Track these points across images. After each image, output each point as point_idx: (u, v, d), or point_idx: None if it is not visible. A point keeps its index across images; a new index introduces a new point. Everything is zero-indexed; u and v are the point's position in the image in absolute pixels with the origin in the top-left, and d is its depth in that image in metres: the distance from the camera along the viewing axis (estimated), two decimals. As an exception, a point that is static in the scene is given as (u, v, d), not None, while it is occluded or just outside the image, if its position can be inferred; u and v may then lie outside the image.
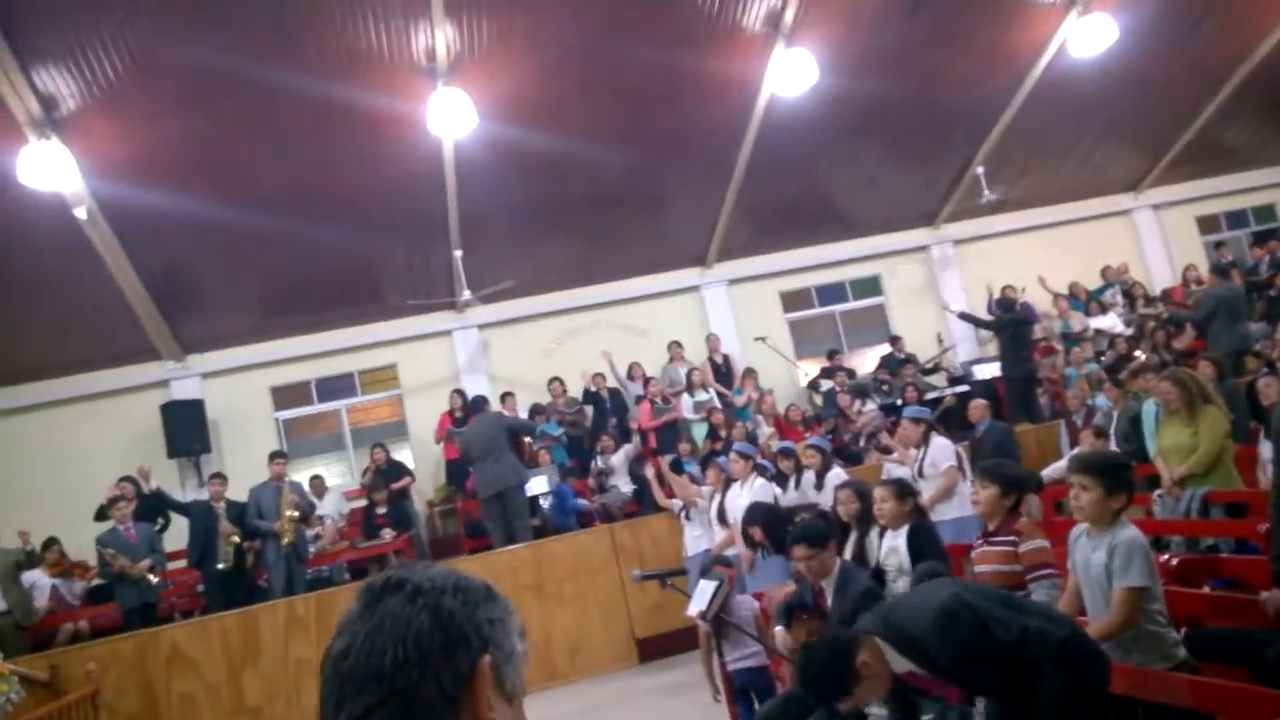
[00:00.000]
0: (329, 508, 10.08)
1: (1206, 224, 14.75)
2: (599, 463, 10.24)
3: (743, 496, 6.96)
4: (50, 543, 8.98)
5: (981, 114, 11.68)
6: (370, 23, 8.61)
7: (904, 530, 4.69)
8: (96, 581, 8.93)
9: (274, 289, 11.06)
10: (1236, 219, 14.94)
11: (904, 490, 4.82)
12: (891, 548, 4.71)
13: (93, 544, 8.74)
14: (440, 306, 11.87)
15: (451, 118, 9.13)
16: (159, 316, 10.60)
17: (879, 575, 4.67)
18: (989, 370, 10.83)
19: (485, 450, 8.91)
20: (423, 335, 12.05)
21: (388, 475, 10.32)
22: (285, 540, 8.31)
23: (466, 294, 10.92)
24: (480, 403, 9.48)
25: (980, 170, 12.18)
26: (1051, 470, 7.21)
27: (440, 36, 8.70)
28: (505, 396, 10.88)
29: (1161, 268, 13.97)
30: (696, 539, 7.62)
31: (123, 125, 8.69)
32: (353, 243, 10.61)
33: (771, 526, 6.06)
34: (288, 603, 8.06)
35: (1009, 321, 10.53)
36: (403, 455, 11.37)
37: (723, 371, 11.89)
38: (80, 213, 8.91)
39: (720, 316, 12.77)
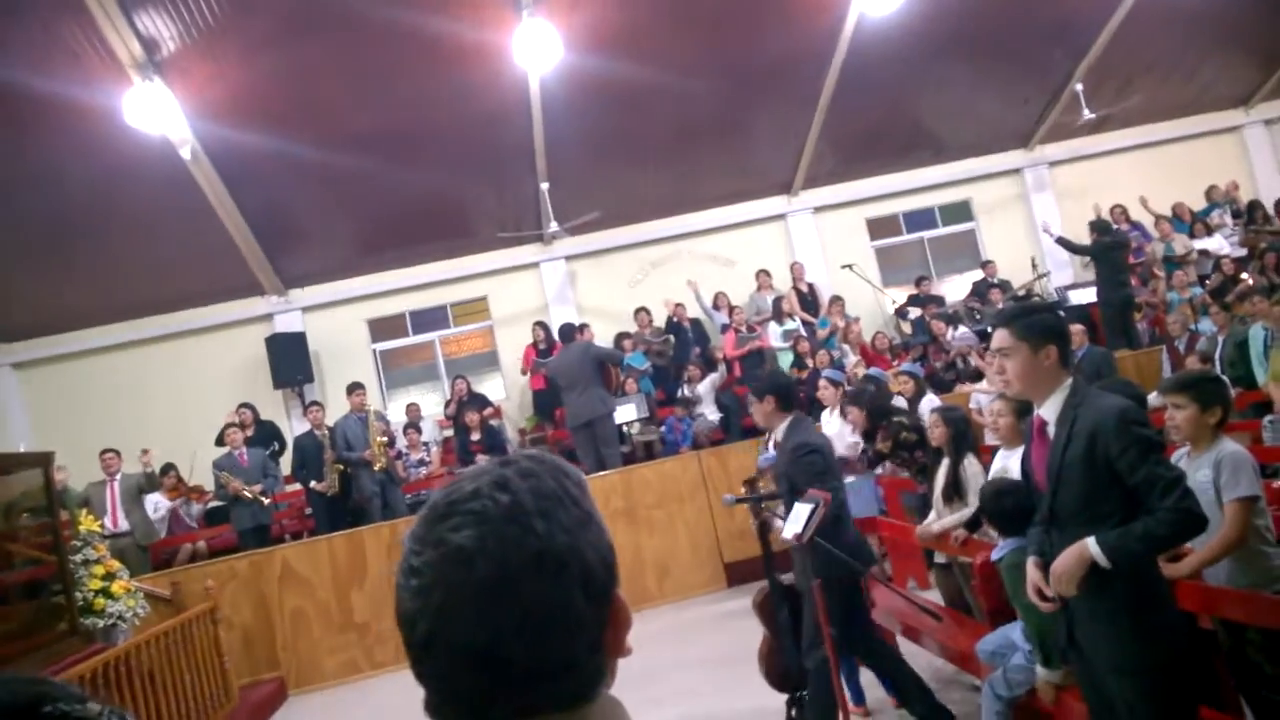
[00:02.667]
0: (426, 435, 10.43)
1: (1324, 140, 13.89)
2: (685, 391, 10.34)
3: (833, 423, 6.97)
4: (168, 468, 9.53)
5: (1081, 27, 11.11)
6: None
7: (1018, 450, 4.62)
8: (213, 504, 9.49)
9: (368, 224, 11.34)
10: (1361, 134, 14.02)
11: (1024, 409, 4.75)
12: (1004, 468, 4.66)
13: (209, 469, 9.27)
14: (528, 239, 12.01)
15: (537, 49, 9.10)
16: (261, 253, 11.01)
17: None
18: (1086, 296, 10.50)
19: (574, 380, 9.07)
20: (511, 268, 12.25)
21: (475, 404, 10.63)
22: (378, 466, 8.66)
23: (554, 226, 11.02)
24: (569, 331, 9.61)
25: (1079, 87, 11.64)
26: (1153, 398, 7.03)
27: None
28: (583, 327, 11.01)
29: (1273, 187, 13.23)
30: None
31: (220, 66, 8.90)
32: (442, 178, 10.79)
33: (875, 415, 6.16)
34: (390, 525, 8.42)
35: (1105, 246, 10.17)
36: (494, 385, 11.66)
37: (809, 300, 11.80)
38: (185, 153, 9.23)
39: (806, 244, 12.62)
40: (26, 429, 10.96)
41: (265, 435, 9.98)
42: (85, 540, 5.96)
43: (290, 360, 11.20)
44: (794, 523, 4.91)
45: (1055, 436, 2.61)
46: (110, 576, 5.88)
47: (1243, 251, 11.22)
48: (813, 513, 4.78)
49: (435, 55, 9.27)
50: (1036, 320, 2.67)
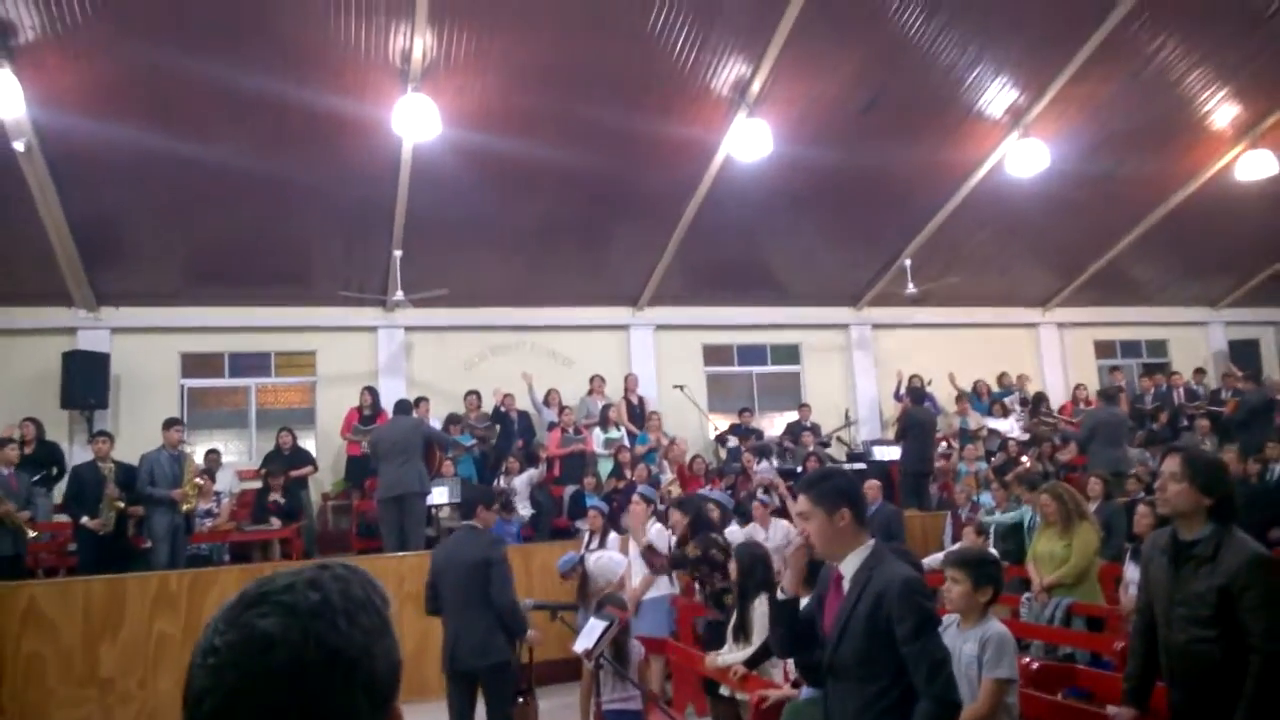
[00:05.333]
0: (223, 485, 9.88)
1: (1103, 349, 15.73)
2: (502, 483, 10.30)
3: (654, 530, 7.12)
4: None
5: (917, 210, 12.28)
6: (352, 16, 8.63)
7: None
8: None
9: (202, 254, 10.88)
10: (1131, 348, 15.99)
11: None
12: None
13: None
14: (370, 302, 11.82)
15: (416, 122, 9.17)
16: (79, 262, 10.31)
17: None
18: (888, 453, 11.30)
19: (395, 452, 8.89)
20: (347, 327, 11.99)
21: (290, 461, 10.20)
22: (186, 507, 8.14)
23: (399, 294, 10.92)
24: (405, 405, 9.47)
25: (908, 263, 12.77)
26: (930, 560, 7.60)
27: (419, 42, 8.76)
28: (420, 401, 10.87)
29: (1057, 383, 14.80)
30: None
31: (78, 65, 8.47)
32: (292, 222, 10.56)
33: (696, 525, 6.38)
34: (160, 576, 7.85)
35: (920, 423, 11.08)
36: (307, 444, 11.22)
37: (637, 412, 12.11)
38: (19, 145, 8.64)
39: (643, 358, 13.02)
40: None
41: (43, 457, 9.18)
42: None
43: (86, 381, 10.41)
44: (587, 637, 4.96)
45: (848, 592, 2.82)
46: None
47: (1026, 437, 12.40)
48: (606, 630, 4.85)
49: (312, 107, 9.15)
50: (829, 486, 2.90)
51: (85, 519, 8.25)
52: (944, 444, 12.15)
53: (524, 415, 11.65)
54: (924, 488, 10.88)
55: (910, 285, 12.62)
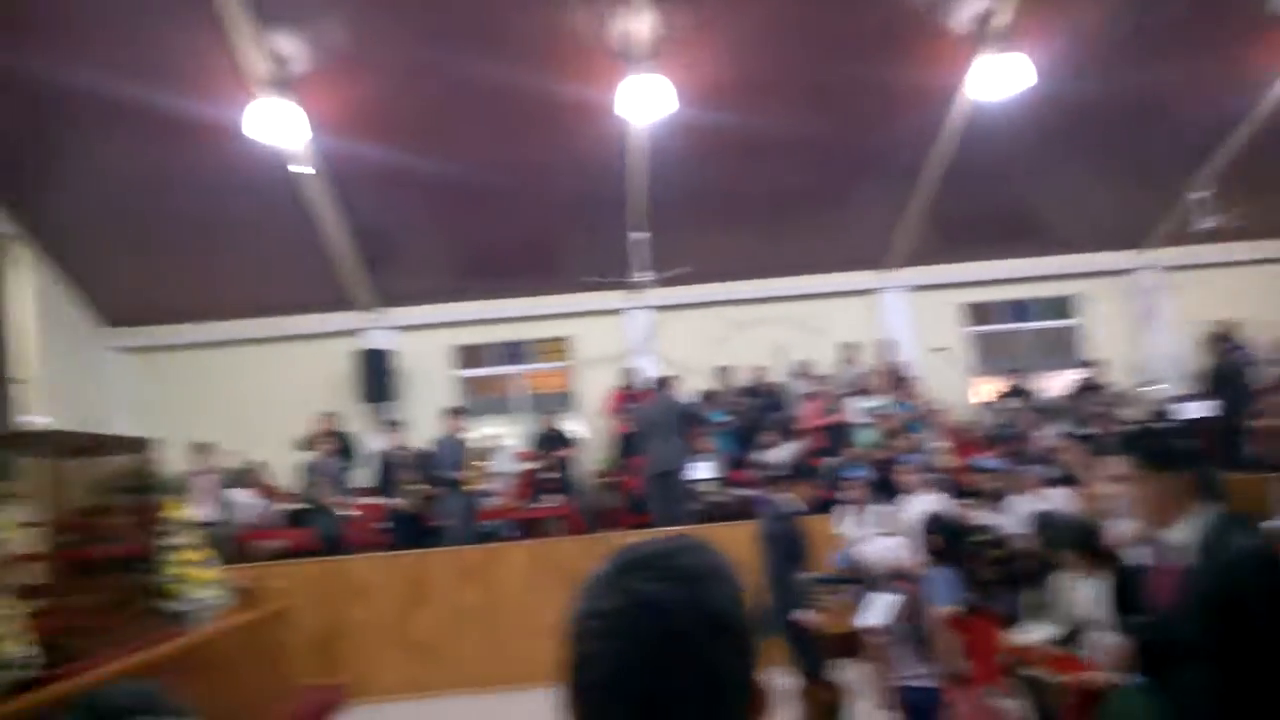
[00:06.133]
0: (501, 466, 10.51)
1: None
2: (760, 456, 10.23)
3: (914, 508, 6.81)
4: (255, 465, 9.74)
5: (1212, 130, 10.90)
6: (573, 6, 8.84)
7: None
8: (295, 506, 9.66)
9: (465, 253, 11.59)
10: None
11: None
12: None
13: (289, 470, 9.42)
14: (614, 285, 12.12)
15: (647, 102, 9.26)
16: (360, 269, 11.33)
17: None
18: (1196, 410, 10.13)
19: (658, 429, 9.08)
20: (596, 311, 12.35)
21: (552, 442, 10.68)
22: (471, 488, 8.74)
23: (642, 275, 11.12)
24: (662, 383, 9.66)
25: (1202, 193, 11.37)
26: (1271, 525, 6.72)
27: (641, 21, 8.82)
28: (671, 380, 11.02)
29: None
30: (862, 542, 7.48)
31: (349, 87, 9.25)
32: (536, 215, 10.99)
33: (950, 538, 5.94)
34: (458, 551, 8.48)
35: (1233, 367, 9.85)
36: (570, 425, 11.72)
37: (896, 379, 11.64)
38: (299, 165, 9.60)
39: (898, 323, 12.49)
40: (125, 411, 11.35)
41: (345, 447, 10.15)
42: (174, 525, 6.10)
43: (377, 377, 11.46)
44: (876, 612, 4.79)
45: (1188, 567, 2.47)
46: (194, 563, 6.00)
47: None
48: (895, 604, 4.63)
49: (543, 97, 9.45)
50: (1161, 445, 2.56)
51: (391, 499, 9.06)
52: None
53: (778, 388, 11.51)
54: (1240, 443, 9.64)
55: (1206, 218, 11.21)
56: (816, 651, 5.37)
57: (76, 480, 5.81)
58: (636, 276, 11.16)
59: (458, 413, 9.50)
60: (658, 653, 0.95)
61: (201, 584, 5.91)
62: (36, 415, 9.16)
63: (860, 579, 6.65)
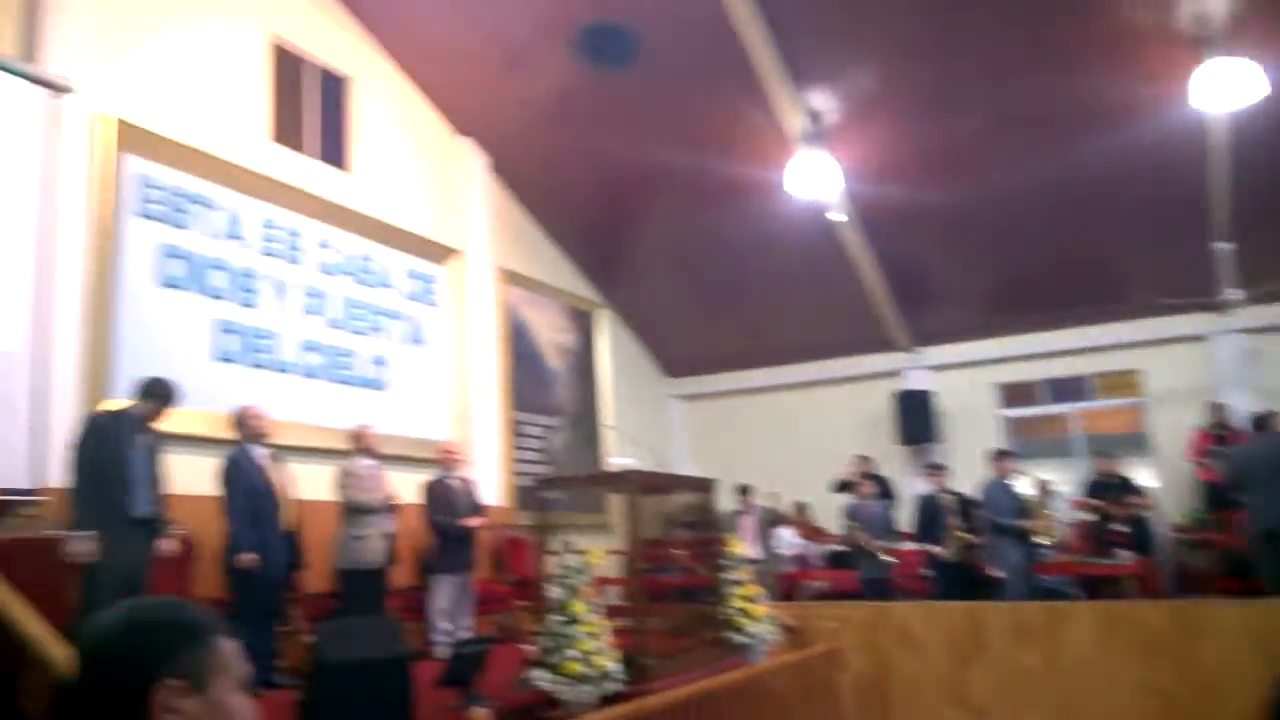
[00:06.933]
0: (1059, 516, 9.51)
1: None
2: None
3: None
4: (799, 506, 10.06)
5: None
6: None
7: None
8: (836, 548, 9.77)
9: (1004, 285, 10.86)
10: None
11: None
12: None
13: (822, 511, 9.51)
14: (1194, 307, 10.36)
15: (1227, 89, 7.78)
16: (896, 310, 11.24)
17: None
18: None
19: (1260, 477, 7.45)
20: (1171, 339, 10.67)
21: (1115, 489, 9.35)
22: (1046, 541, 8.05)
23: (1232, 293, 9.35)
24: (1261, 421, 7.98)
25: None
26: None
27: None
28: (1270, 416, 9.01)
29: None
30: None
31: (875, 133, 9.26)
32: (1092, 237, 9.89)
33: None
34: (1016, 607, 7.75)
35: None
36: (1140, 470, 10.21)
37: None
38: (834, 214, 9.83)
39: None
40: (685, 453, 12.59)
41: (884, 490, 10.00)
42: (732, 562, 6.42)
43: (916, 418, 11.22)
44: None
45: None
46: (751, 599, 6.25)
47: None
48: None
49: (1099, 108, 8.48)
50: None
51: (933, 546, 8.66)
52: None
53: None
54: None
55: None
56: None
57: (651, 514, 6.42)
58: (1223, 295, 9.43)
59: (1005, 455, 8.79)
60: None
61: (758, 619, 6.12)
62: (618, 456, 10.50)
63: None
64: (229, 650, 1.16)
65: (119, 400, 5.79)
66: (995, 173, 9.36)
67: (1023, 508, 8.29)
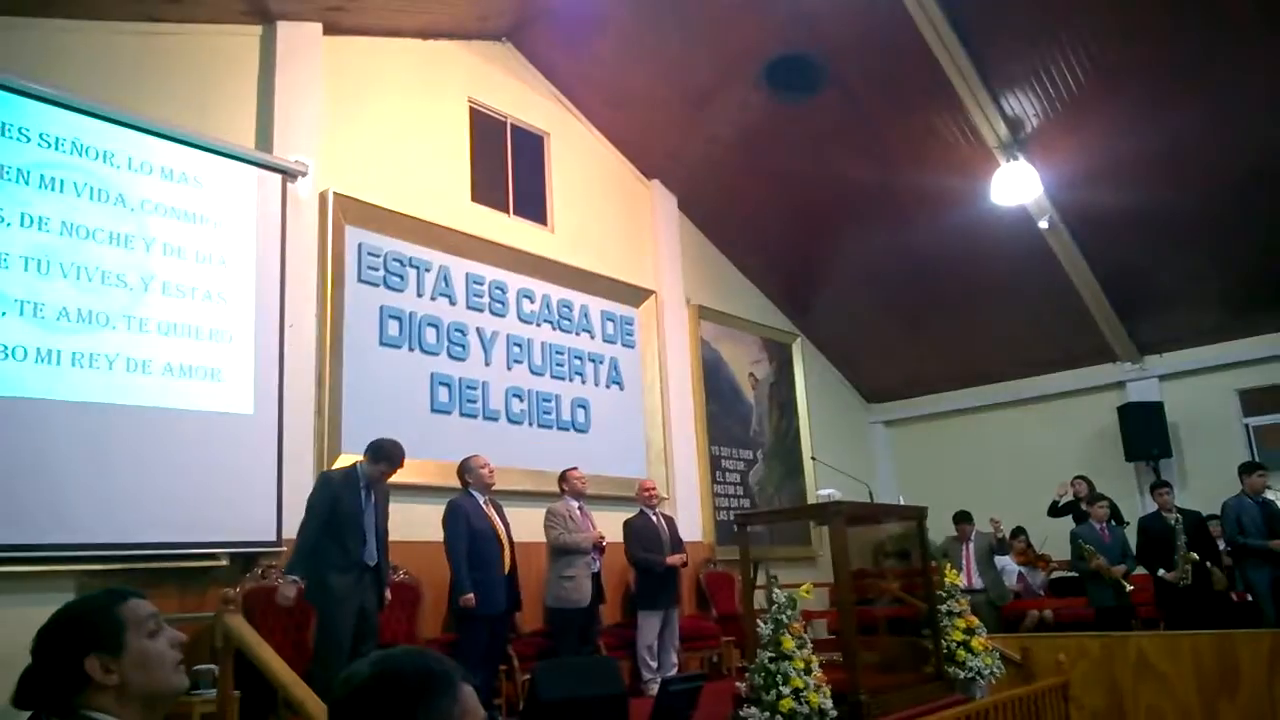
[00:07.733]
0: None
1: None
2: None
3: None
4: (1018, 532, 9.51)
5: None
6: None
7: None
8: (1059, 574, 9.15)
9: (1241, 284, 9.91)
10: None
11: None
12: None
13: (1044, 536, 8.90)
14: None
15: None
16: (1115, 318, 10.53)
17: None
18: None
19: None
20: None
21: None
22: None
23: None
24: None
25: None
26: None
27: None
28: None
29: None
30: None
31: (1081, 136, 8.73)
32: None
33: None
34: (1270, 634, 6.99)
35: None
36: None
37: None
38: (1042, 223, 9.33)
39: None
40: (893, 480, 12.21)
41: (1112, 511, 9.28)
42: (949, 592, 6.17)
43: (1145, 432, 10.36)
44: None
45: None
46: (970, 631, 5.98)
47: None
48: None
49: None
50: None
51: (1161, 571, 7.97)
52: None
53: None
54: None
55: None
56: None
57: (859, 545, 6.28)
58: None
59: (1255, 468, 7.96)
60: None
61: (978, 652, 5.84)
62: (822, 487, 10.32)
63: None
64: (471, 697, 1.18)
65: (349, 456, 6.32)
66: (1218, 162, 8.58)
67: (1275, 526, 7.48)
